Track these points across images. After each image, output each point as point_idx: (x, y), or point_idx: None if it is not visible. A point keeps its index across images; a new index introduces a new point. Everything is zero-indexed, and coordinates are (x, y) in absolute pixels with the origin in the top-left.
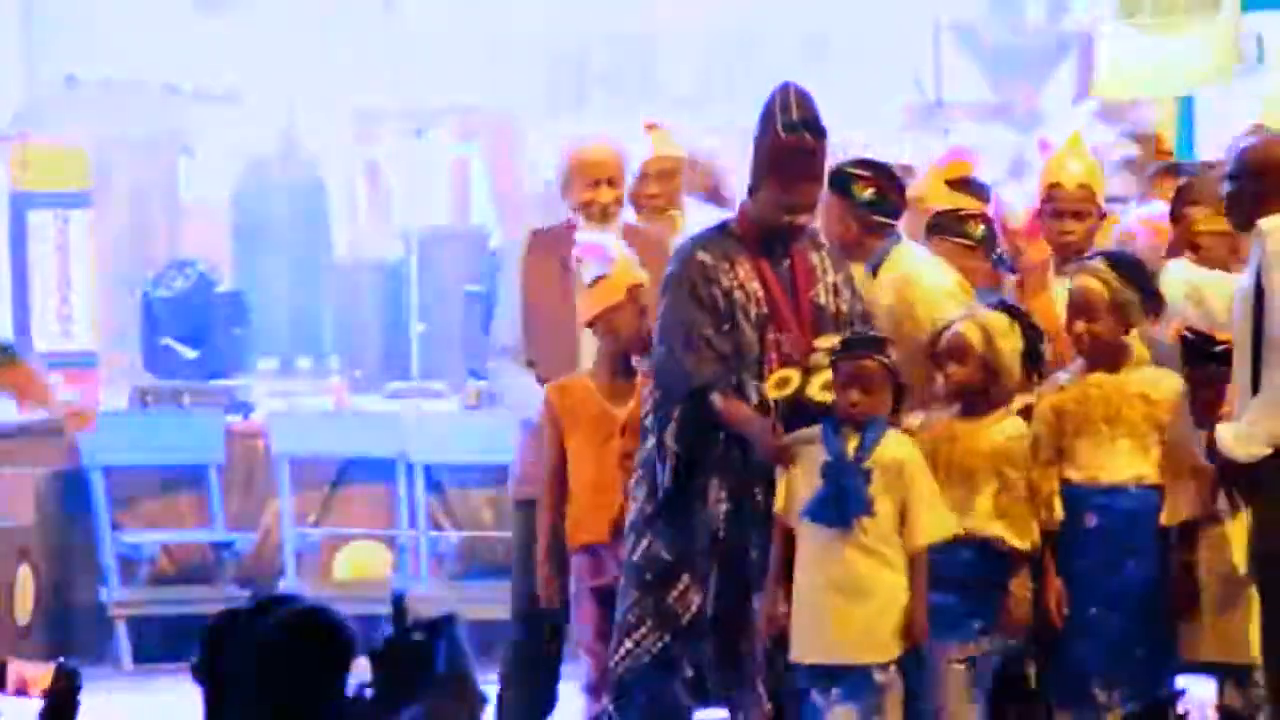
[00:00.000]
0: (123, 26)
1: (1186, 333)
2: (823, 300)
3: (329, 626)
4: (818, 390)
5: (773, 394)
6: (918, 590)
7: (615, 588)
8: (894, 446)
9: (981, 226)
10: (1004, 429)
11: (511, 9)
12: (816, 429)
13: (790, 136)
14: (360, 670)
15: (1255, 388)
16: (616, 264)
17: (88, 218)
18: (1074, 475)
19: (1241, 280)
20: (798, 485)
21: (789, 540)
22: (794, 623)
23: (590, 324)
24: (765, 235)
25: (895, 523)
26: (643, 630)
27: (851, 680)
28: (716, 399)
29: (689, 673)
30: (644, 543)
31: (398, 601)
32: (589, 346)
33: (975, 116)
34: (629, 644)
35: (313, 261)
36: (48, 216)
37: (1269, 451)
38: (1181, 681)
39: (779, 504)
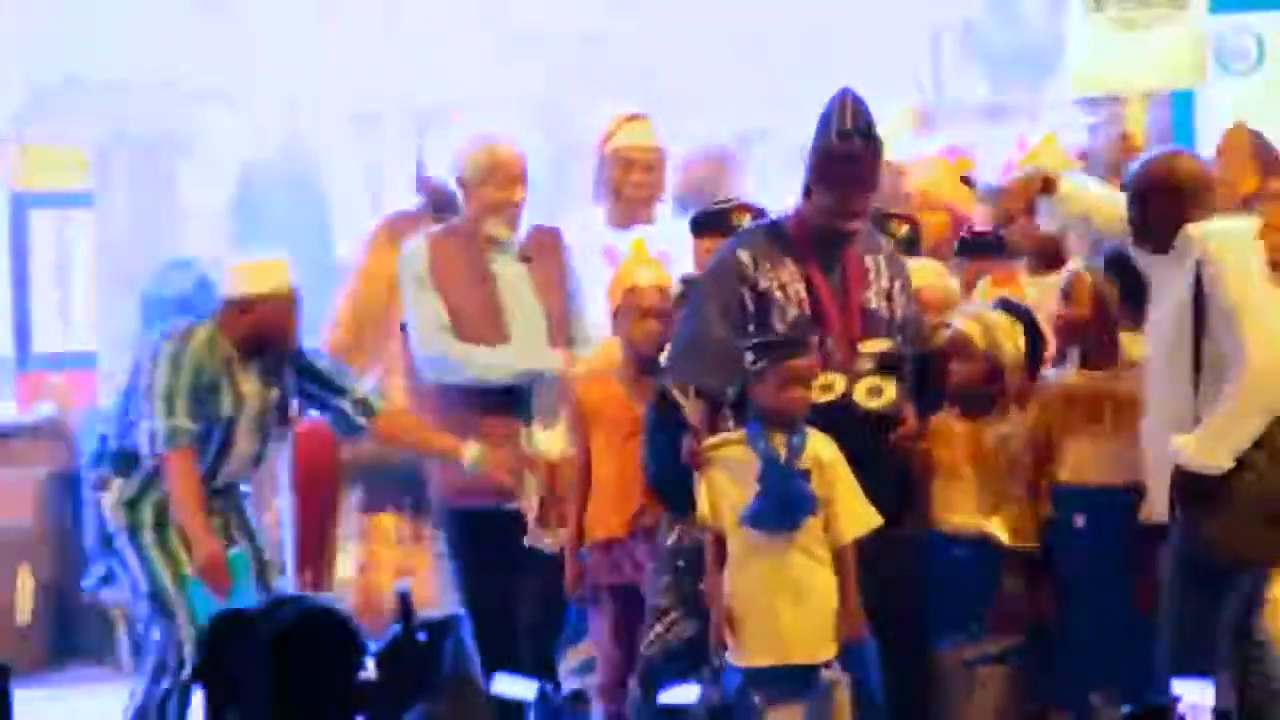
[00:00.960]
0: (122, 26)
1: None
2: (874, 304)
3: (337, 626)
4: (863, 395)
5: (817, 398)
6: (847, 586)
7: (631, 586)
8: (818, 445)
9: (906, 227)
10: (1000, 428)
11: (511, 9)
12: (736, 432)
13: (843, 143)
14: (366, 670)
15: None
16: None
17: (88, 218)
18: (1063, 475)
19: (1166, 293)
20: (721, 490)
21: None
22: (736, 626)
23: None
24: (817, 238)
25: (823, 521)
26: (674, 616)
27: (798, 680)
28: (682, 400)
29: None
30: (676, 530)
31: (403, 601)
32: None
33: (975, 116)
34: (660, 628)
35: (313, 261)
36: (48, 216)
37: (1231, 463)
38: (1178, 686)
39: (703, 510)
